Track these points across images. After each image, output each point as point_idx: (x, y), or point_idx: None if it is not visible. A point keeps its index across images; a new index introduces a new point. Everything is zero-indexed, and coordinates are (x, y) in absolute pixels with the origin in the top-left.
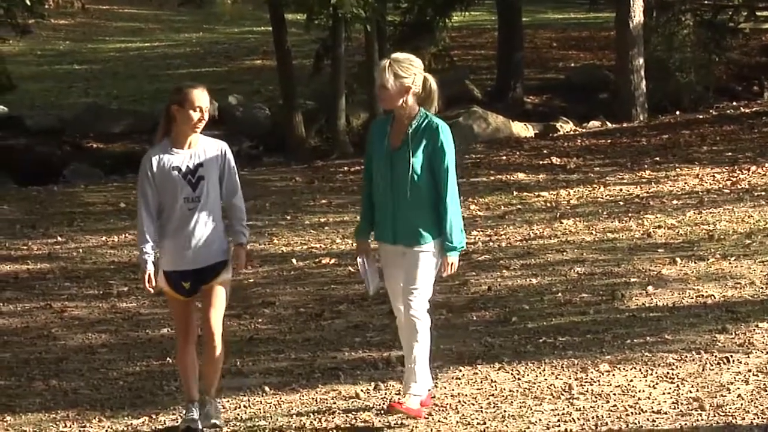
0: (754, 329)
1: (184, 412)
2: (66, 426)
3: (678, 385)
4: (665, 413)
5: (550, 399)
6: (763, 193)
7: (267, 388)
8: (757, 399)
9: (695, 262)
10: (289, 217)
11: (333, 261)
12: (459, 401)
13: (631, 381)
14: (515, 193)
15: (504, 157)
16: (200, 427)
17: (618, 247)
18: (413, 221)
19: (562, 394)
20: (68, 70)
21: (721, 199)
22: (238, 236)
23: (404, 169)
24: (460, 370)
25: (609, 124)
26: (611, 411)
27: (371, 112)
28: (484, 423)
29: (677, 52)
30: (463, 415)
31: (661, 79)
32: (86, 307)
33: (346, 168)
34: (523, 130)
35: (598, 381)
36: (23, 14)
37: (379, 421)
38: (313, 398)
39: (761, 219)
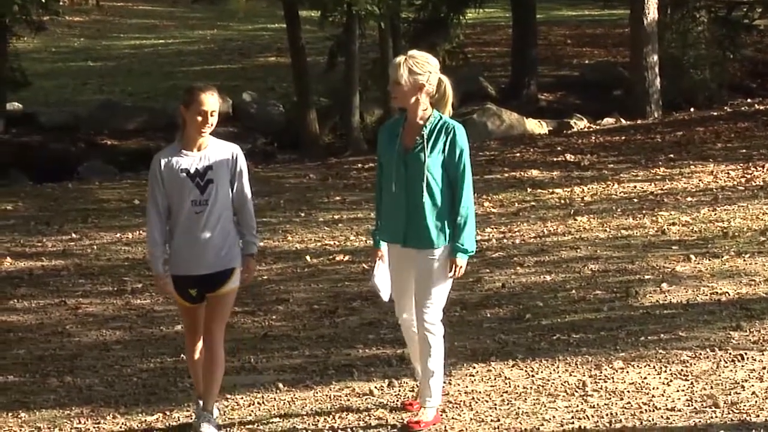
0: None
1: (196, 407)
2: (80, 422)
3: (692, 383)
4: (679, 410)
5: (564, 396)
6: None
7: (281, 385)
8: None
9: (709, 259)
10: (303, 214)
11: (347, 258)
12: (473, 398)
13: (645, 378)
14: (529, 190)
15: (518, 154)
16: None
17: (632, 244)
18: (426, 224)
19: (576, 391)
20: (83, 67)
21: (736, 196)
22: (248, 246)
23: (419, 170)
24: (474, 367)
25: (623, 121)
26: (625, 408)
27: (385, 109)
28: (498, 420)
29: (691, 49)
30: (476, 412)
31: (675, 76)
32: (100, 303)
33: (360, 165)
34: (537, 127)
35: (612, 378)
36: (38, 11)
37: (393, 417)
38: (326, 395)
39: None
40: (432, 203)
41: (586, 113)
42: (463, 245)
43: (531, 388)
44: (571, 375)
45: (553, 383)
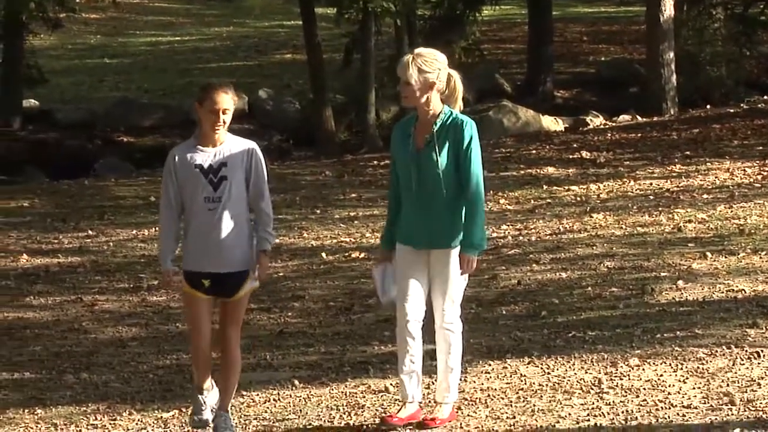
0: None
1: (195, 404)
2: (96, 419)
3: (708, 380)
4: (695, 408)
5: (579, 393)
6: None
7: (297, 382)
8: None
9: (726, 257)
10: (318, 211)
11: (362, 255)
12: (488, 395)
13: (661, 375)
14: (545, 187)
15: (534, 151)
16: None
17: (648, 242)
18: (441, 223)
19: (592, 389)
20: (99, 64)
21: (752, 193)
22: (262, 242)
23: (432, 169)
24: (490, 365)
25: (639, 118)
26: (641, 405)
27: (401, 106)
28: (514, 417)
29: (708, 45)
30: (492, 409)
31: (691, 72)
32: (117, 300)
33: (375, 162)
34: (553, 124)
35: (628, 375)
36: (55, 8)
37: None
38: (342, 392)
39: None
40: (446, 201)
41: (602, 110)
42: (472, 241)
43: (547, 385)
44: (586, 372)
45: (568, 380)
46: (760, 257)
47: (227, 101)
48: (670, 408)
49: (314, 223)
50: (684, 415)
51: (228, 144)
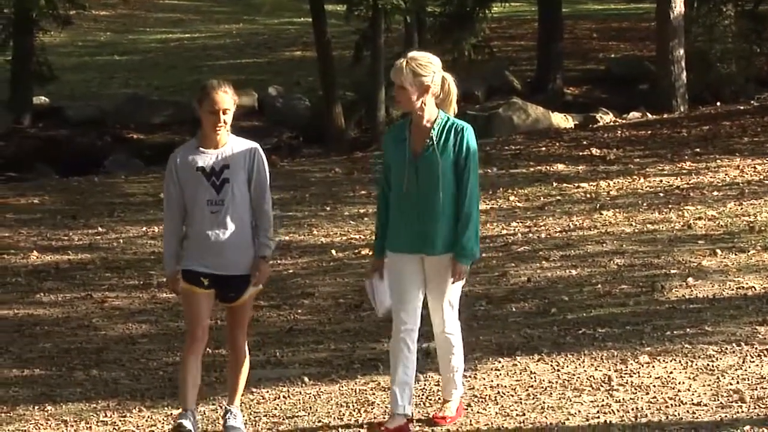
0: None
1: (183, 418)
2: (106, 415)
3: (718, 377)
4: (705, 405)
5: (589, 390)
6: None
7: (306, 379)
8: None
9: (736, 254)
10: (328, 208)
11: (372, 252)
12: (498, 392)
13: (671, 373)
14: (555, 184)
15: (544, 149)
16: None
17: (658, 239)
18: (439, 229)
19: (602, 386)
20: (109, 61)
21: (762, 190)
22: (262, 248)
23: (431, 175)
24: (500, 362)
25: (649, 115)
26: (651, 403)
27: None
28: (523, 414)
29: (718, 42)
30: (502, 406)
31: (701, 70)
32: (126, 297)
33: None
34: (562, 121)
35: (638, 373)
36: (65, 5)
37: (419, 412)
38: (352, 389)
39: None
40: (445, 207)
41: (612, 107)
42: (467, 250)
43: (556, 382)
44: (596, 369)
45: (578, 378)
46: None
47: (227, 101)
48: (679, 405)
49: (324, 220)
50: (694, 413)
51: (230, 145)
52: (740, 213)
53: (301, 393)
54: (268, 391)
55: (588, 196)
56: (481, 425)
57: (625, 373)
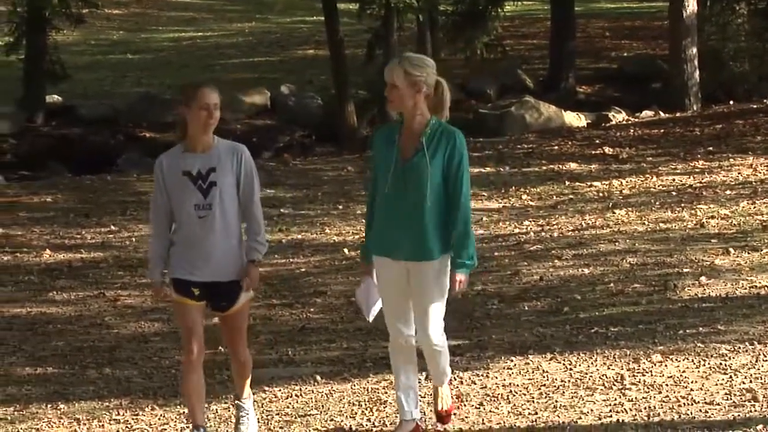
0: None
1: None
2: (119, 414)
3: (731, 376)
4: (718, 404)
5: (601, 389)
6: None
7: (318, 378)
8: None
9: (748, 253)
10: (341, 207)
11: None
12: (510, 391)
13: (684, 372)
14: (567, 183)
15: (556, 147)
16: None
17: (671, 238)
18: (425, 235)
19: (614, 385)
20: (122, 60)
21: None
22: (251, 252)
23: (419, 180)
24: (512, 360)
25: (662, 114)
26: (663, 402)
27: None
28: (536, 413)
29: (731, 41)
30: (514, 405)
31: (714, 68)
32: (139, 295)
33: None
34: (575, 119)
35: (651, 372)
36: (77, 4)
37: (430, 410)
38: (364, 388)
39: None
40: (431, 213)
41: (625, 106)
42: (465, 260)
43: (569, 381)
44: (609, 368)
45: (591, 376)
46: None
47: (216, 97)
48: (692, 404)
49: (336, 218)
50: (706, 412)
51: (216, 148)
52: (753, 212)
53: (313, 391)
54: (280, 390)
55: (600, 194)
56: (494, 424)
57: (638, 372)
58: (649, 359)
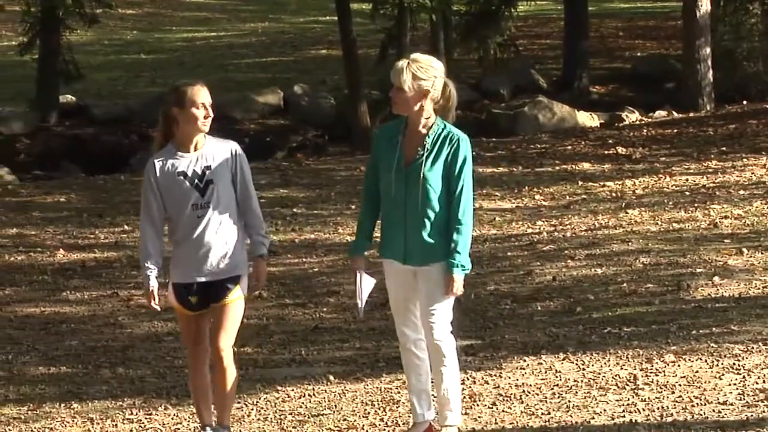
0: None
1: None
2: (132, 413)
3: (744, 377)
4: (731, 404)
5: (614, 389)
6: None
7: (331, 377)
8: None
9: (762, 253)
10: (354, 207)
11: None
12: (523, 391)
13: (697, 372)
14: (580, 183)
15: (569, 147)
16: None
17: (684, 238)
18: (427, 239)
19: (627, 385)
20: (135, 60)
21: None
22: (257, 247)
23: (421, 184)
24: (525, 360)
25: (675, 114)
26: (676, 402)
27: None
28: (549, 413)
29: (745, 41)
30: (527, 405)
31: (728, 68)
32: None
33: None
34: (588, 119)
35: (664, 372)
36: (91, 3)
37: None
38: (377, 387)
39: None
40: (433, 217)
41: (638, 106)
42: (460, 262)
43: (582, 381)
44: (622, 368)
45: (604, 376)
46: None
47: (207, 96)
48: (705, 404)
49: (349, 218)
50: (720, 412)
51: (209, 146)
52: (766, 212)
53: (326, 391)
54: (293, 390)
55: (614, 194)
56: (506, 424)
57: (651, 372)
58: (662, 359)
